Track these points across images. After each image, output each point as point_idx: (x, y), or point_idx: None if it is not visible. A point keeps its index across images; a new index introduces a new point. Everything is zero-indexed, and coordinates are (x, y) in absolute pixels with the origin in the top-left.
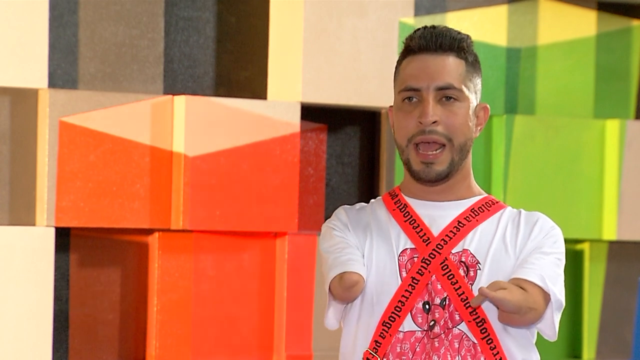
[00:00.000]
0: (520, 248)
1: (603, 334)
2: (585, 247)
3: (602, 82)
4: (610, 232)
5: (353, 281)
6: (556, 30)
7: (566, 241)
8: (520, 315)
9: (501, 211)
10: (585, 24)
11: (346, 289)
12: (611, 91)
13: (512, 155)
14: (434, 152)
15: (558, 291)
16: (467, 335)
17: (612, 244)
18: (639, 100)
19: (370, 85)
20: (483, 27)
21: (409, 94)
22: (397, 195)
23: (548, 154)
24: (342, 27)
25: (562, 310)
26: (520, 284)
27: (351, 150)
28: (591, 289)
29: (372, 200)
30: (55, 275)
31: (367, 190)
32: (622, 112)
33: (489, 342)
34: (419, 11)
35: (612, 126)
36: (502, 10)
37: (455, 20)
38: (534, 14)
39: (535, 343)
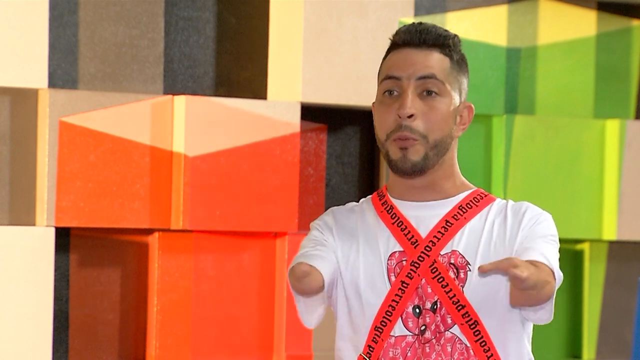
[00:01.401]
0: (510, 241)
1: (603, 334)
2: (585, 247)
3: (602, 82)
4: (610, 232)
5: (302, 272)
6: (556, 30)
7: (566, 241)
8: (537, 290)
9: (489, 206)
10: (585, 24)
11: (296, 280)
12: (611, 91)
13: (512, 155)
14: (409, 140)
15: (558, 269)
16: (459, 339)
17: (612, 244)
18: (639, 100)
19: (370, 85)
20: (483, 27)
21: (389, 84)
22: (384, 196)
23: (548, 154)
24: (342, 27)
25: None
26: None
27: (351, 150)
28: (591, 289)
29: (363, 199)
30: (55, 275)
31: (367, 190)
32: (622, 112)
33: (482, 344)
34: (419, 11)
35: (612, 126)
36: (502, 10)
37: (455, 20)
38: (534, 14)
39: (535, 342)
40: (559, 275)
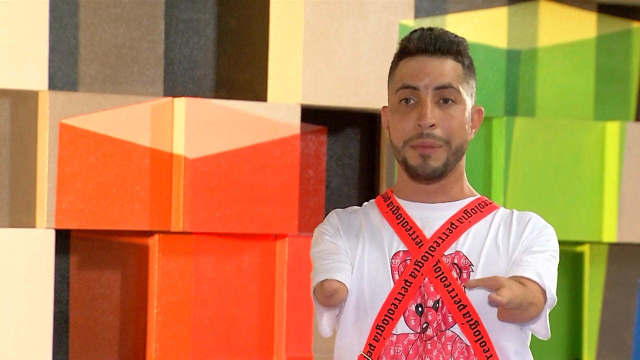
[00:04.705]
0: (512, 248)
1: (603, 336)
2: (586, 249)
3: (602, 84)
4: (610, 234)
5: (332, 289)
6: (556, 32)
7: (566, 243)
8: (521, 310)
9: (494, 212)
10: (585, 26)
11: (326, 297)
12: (611, 93)
13: (512, 157)
14: (431, 147)
15: (552, 288)
16: (460, 338)
17: (612, 246)
18: (639, 102)
19: (370, 87)
20: (483, 29)
21: (406, 93)
22: (389, 198)
23: (548, 156)
24: (342, 29)
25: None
26: (518, 280)
27: (351, 152)
28: (591, 291)
29: (365, 203)
30: (55, 277)
31: (367, 191)
32: (622, 114)
33: (482, 344)
34: (419, 13)
35: (612, 128)
36: (502, 12)
37: (455, 22)
38: (534, 16)
39: (535, 345)
40: (551, 296)
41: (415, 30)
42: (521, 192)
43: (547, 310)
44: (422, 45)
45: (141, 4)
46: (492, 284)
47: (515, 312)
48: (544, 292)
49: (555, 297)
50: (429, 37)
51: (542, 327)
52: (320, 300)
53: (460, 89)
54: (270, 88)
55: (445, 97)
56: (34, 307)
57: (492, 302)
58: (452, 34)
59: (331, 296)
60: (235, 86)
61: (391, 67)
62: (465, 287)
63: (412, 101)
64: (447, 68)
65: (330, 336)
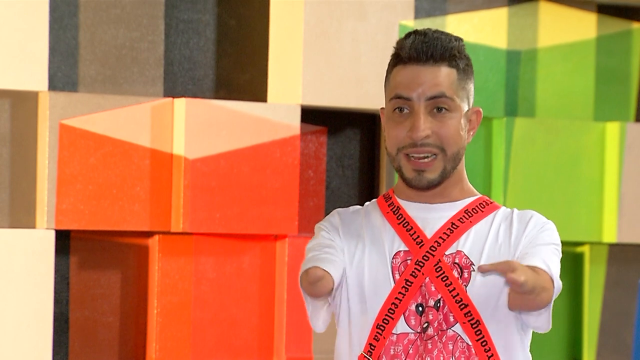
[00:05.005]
0: (514, 245)
1: (603, 336)
2: (586, 249)
3: (602, 85)
4: (610, 235)
5: (317, 276)
6: (556, 32)
7: (566, 244)
8: (534, 295)
9: (495, 212)
10: (585, 26)
11: (310, 284)
12: (611, 94)
13: (513, 158)
14: (426, 159)
15: (558, 277)
16: (461, 337)
17: (612, 246)
18: (639, 103)
19: (370, 88)
20: (483, 30)
21: (399, 103)
22: (390, 198)
23: (548, 157)
24: (342, 29)
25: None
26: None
27: (351, 153)
28: (591, 292)
29: (367, 203)
30: (55, 278)
31: (367, 192)
32: (622, 115)
33: (483, 343)
34: (419, 14)
35: (612, 129)
36: (502, 12)
37: (455, 23)
38: (534, 17)
39: (535, 345)
40: (558, 284)
41: (409, 35)
42: (521, 192)
43: (552, 301)
44: (414, 53)
45: (141, 5)
46: (505, 268)
47: (528, 297)
48: (551, 280)
49: (561, 285)
50: (421, 45)
51: (544, 319)
52: (305, 288)
53: (455, 96)
54: (270, 88)
55: (439, 106)
56: (34, 307)
57: (509, 282)
58: (447, 37)
59: (315, 283)
60: (235, 87)
61: (387, 70)
62: (469, 284)
63: (405, 110)
64: (440, 77)
65: (333, 333)
